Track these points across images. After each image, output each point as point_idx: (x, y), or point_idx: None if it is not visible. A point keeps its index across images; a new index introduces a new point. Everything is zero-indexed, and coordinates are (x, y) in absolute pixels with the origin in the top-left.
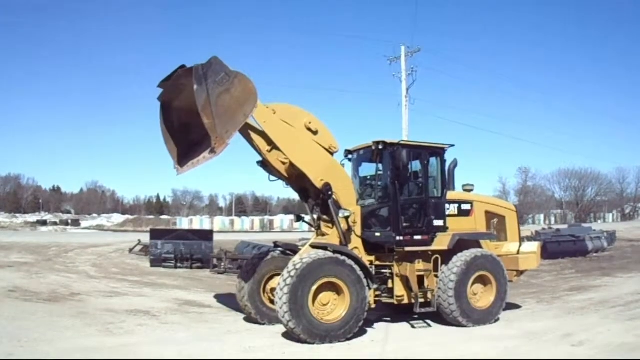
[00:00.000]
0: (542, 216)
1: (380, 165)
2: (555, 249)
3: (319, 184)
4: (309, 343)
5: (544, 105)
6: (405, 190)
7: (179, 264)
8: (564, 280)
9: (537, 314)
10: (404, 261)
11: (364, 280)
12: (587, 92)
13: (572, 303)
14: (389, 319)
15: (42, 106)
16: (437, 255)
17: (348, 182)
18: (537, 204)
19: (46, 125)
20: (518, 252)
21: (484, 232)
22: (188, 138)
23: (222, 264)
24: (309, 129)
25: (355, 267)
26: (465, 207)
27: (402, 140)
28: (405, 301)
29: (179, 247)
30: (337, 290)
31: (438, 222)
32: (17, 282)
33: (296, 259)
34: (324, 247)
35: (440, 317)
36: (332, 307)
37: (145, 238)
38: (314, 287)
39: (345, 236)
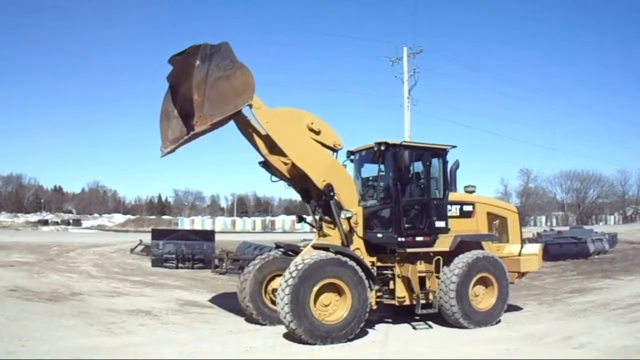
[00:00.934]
0: (543, 218)
1: (382, 166)
2: (557, 250)
3: (320, 185)
4: (310, 344)
5: (546, 106)
6: (407, 191)
7: (180, 264)
8: (565, 282)
9: (538, 315)
10: (406, 262)
11: (366, 281)
12: (589, 94)
13: (573, 305)
14: (390, 320)
15: (43, 106)
16: (439, 257)
17: (350, 183)
18: (539, 205)
19: (48, 125)
20: (519, 254)
21: (486, 234)
22: (184, 126)
23: (224, 264)
24: (312, 130)
25: (357, 268)
26: (467, 208)
27: (404, 141)
28: (407, 302)
29: (180, 248)
30: (339, 291)
31: (440, 224)
32: (19, 281)
33: (298, 259)
34: (325, 248)
35: (441, 319)
36: (333, 308)
37: (147, 238)
38: (316, 288)
39: (347, 237)
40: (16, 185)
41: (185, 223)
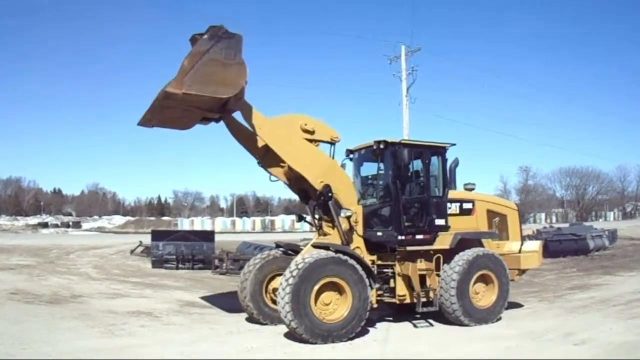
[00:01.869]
0: (543, 215)
1: (381, 165)
2: (557, 247)
3: (318, 186)
4: (311, 343)
5: (545, 103)
6: (407, 189)
7: (180, 265)
8: (565, 279)
9: (538, 312)
10: (406, 260)
11: (366, 280)
12: (588, 90)
13: (573, 302)
14: (390, 318)
15: (42, 109)
16: (439, 255)
17: (348, 182)
18: (538, 202)
19: (46, 127)
20: (520, 251)
21: (486, 231)
22: (169, 116)
23: (224, 264)
24: (306, 130)
25: (357, 266)
26: (466, 206)
27: (404, 140)
28: (407, 300)
29: (180, 248)
30: (339, 290)
31: (440, 221)
32: (19, 284)
33: (298, 258)
34: (325, 247)
35: (442, 317)
36: (334, 307)
37: (147, 239)
38: (316, 287)
39: (347, 236)
40: (15, 188)
41: (185, 224)
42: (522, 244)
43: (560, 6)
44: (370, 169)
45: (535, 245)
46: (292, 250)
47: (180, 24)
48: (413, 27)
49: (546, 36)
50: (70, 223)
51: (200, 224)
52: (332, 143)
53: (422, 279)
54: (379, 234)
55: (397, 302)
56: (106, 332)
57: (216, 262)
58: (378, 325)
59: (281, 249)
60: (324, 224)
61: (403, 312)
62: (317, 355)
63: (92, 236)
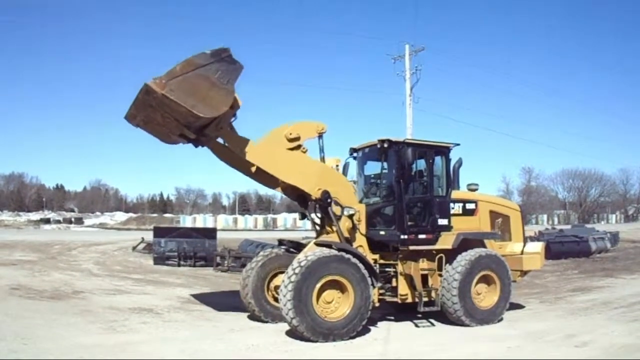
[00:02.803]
0: (545, 216)
1: (385, 164)
2: (559, 249)
3: (316, 194)
4: (313, 341)
5: (548, 105)
6: (410, 188)
7: (182, 262)
8: (567, 280)
9: (540, 314)
10: (408, 260)
11: (368, 279)
12: (592, 92)
13: (575, 304)
14: (392, 317)
15: (45, 104)
16: (442, 255)
17: (345, 183)
18: (541, 204)
19: (49, 123)
20: (522, 252)
21: (488, 232)
22: (151, 118)
23: (226, 262)
24: (292, 139)
25: (360, 265)
26: (469, 206)
27: (407, 139)
28: (409, 300)
29: (182, 245)
30: (341, 288)
31: (442, 221)
32: (21, 280)
33: (301, 256)
34: (328, 245)
35: (443, 317)
36: (336, 305)
37: (149, 236)
38: (318, 285)
39: (350, 234)
40: (18, 184)
41: (187, 221)
42: (524, 245)
43: (566, 7)
44: (373, 168)
45: (538, 246)
46: (294, 248)
47: (182, 22)
48: (416, 26)
49: (551, 37)
50: (73, 219)
51: (203, 221)
52: (320, 136)
53: (424, 278)
54: (382, 233)
55: (399, 301)
56: (107, 328)
57: (218, 259)
58: (379, 324)
59: (283, 246)
60: (326, 221)
61: (404, 312)
62: (319, 354)
63: (94, 232)
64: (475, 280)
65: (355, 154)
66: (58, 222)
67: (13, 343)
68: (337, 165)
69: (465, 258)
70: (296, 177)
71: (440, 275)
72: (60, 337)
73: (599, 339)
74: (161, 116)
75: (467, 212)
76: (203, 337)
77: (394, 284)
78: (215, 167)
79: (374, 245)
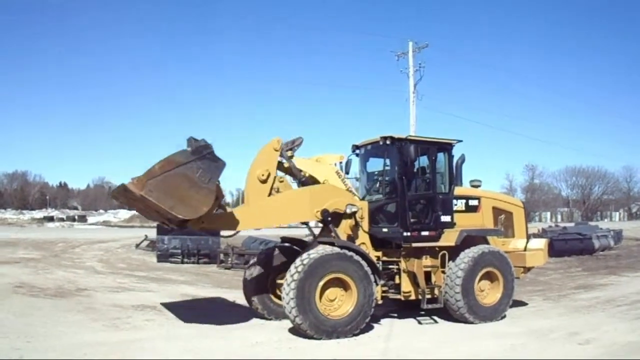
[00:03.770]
0: (548, 214)
1: (387, 161)
2: (562, 247)
3: (317, 217)
4: (316, 338)
5: (552, 102)
6: (413, 185)
7: (185, 259)
8: (570, 278)
9: (543, 311)
10: (411, 257)
11: (371, 276)
12: (595, 90)
13: (578, 301)
14: (395, 314)
15: (48, 103)
16: (444, 251)
17: (337, 191)
18: (544, 201)
19: (52, 121)
20: (525, 249)
21: (491, 228)
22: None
23: (229, 259)
24: (264, 180)
25: (363, 262)
26: (472, 203)
27: (410, 136)
28: (412, 297)
29: (185, 243)
30: (344, 286)
31: (445, 218)
32: (24, 277)
33: (303, 254)
34: (331, 243)
35: (446, 314)
36: (339, 303)
37: (152, 233)
38: (321, 283)
39: (352, 232)
40: (21, 182)
41: None
42: (527, 242)
43: (570, 5)
44: (376, 164)
45: (541, 243)
46: (297, 245)
47: (185, 21)
48: (420, 23)
49: (555, 35)
50: (76, 217)
51: None
52: (278, 151)
53: (427, 275)
54: (385, 230)
55: (402, 298)
56: (111, 325)
57: (221, 256)
58: (383, 321)
59: (287, 243)
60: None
61: (408, 309)
62: (322, 351)
63: (97, 230)
64: (478, 277)
65: (357, 151)
66: (61, 219)
67: (16, 341)
68: (340, 162)
69: (468, 255)
70: (291, 216)
71: (444, 272)
72: (64, 334)
73: (602, 337)
74: (143, 206)
75: (470, 209)
76: (206, 335)
77: (396, 281)
78: None
79: (377, 242)
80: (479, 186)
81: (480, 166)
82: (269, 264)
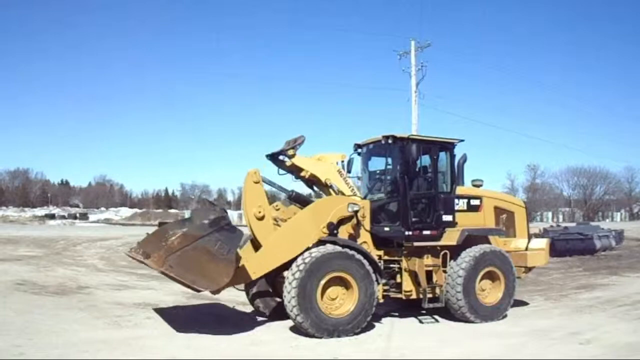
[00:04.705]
0: (550, 214)
1: (389, 160)
2: (563, 246)
3: (324, 233)
4: (317, 337)
5: (554, 102)
6: (415, 184)
7: None
8: (571, 278)
9: (544, 311)
10: (413, 256)
11: (373, 275)
12: (598, 90)
13: (579, 301)
14: (396, 313)
15: (49, 100)
16: (446, 251)
17: (335, 200)
18: (545, 201)
19: (54, 119)
20: (526, 249)
21: (493, 228)
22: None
23: None
24: (262, 217)
25: (364, 261)
26: (474, 202)
27: (412, 135)
28: (414, 296)
29: None
30: (346, 284)
31: (447, 217)
32: (26, 275)
33: (305, 253)
34: (332, 241)
35: (448, 313)
36: (340, 302)
37: None
38: (323, 282)
39: (354, 231)
40: (23, 179)
41: None
42: (529, 242)
43: (572, 5)
44: (378, 163)
45: (543, 243)
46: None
47: (186, 20)
48: (422, 22)
49: (557, 35)
50: (78, 215)
51: None
52: (257, 182)
53: (429, 274)
54: (386, 229)
55: (403, 297)
56: (112, 323)
57: None
58: (384, 320)
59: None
60: None
61: (409, 308)
62: (323, 349)
63: (99, 228)
64: (479, 277)
65: (359, 150)
66: (63, 217)
67: (18, 338)
68: (342, 161)
69: (469, 254)
70: (302, 243)
71: (445, 272)
72: (65, 332)
73: (603, 337)
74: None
75: (471, 208)
76: (208, 333)
77: (398, 280)
78: (221, 162)
79: (378, 241)
80: (480, 186)
81: (482, 166)
82: None
